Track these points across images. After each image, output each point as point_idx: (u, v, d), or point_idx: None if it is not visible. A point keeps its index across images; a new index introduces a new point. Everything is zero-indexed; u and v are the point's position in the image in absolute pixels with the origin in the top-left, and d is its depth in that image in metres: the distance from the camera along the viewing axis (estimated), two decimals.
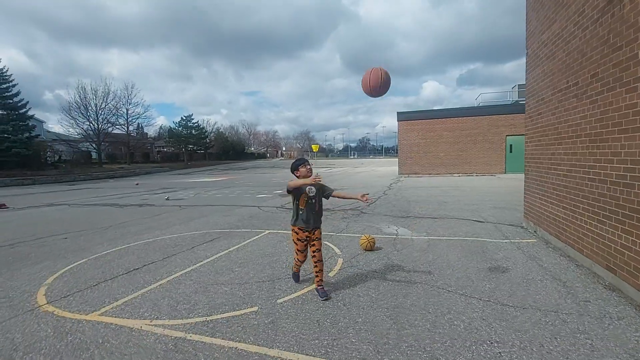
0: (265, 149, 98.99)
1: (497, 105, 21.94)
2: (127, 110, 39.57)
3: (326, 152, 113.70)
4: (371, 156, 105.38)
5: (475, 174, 19.87)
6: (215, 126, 63.40)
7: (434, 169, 21.08)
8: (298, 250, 3.53)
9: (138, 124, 43.87)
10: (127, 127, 40.53)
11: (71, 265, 4.70)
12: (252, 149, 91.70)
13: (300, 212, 3.39)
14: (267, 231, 6.48)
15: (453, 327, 2.73)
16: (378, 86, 3.47)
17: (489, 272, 3.95)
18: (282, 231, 6.43)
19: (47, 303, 3.46)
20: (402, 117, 21.89)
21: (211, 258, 4.83)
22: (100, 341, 2.69)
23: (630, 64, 3.19)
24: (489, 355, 2.34)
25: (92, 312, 3.21)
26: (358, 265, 4.36)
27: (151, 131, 52.73)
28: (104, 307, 3.33)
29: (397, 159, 23.32)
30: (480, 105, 24.06)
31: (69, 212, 10.05)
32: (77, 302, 3.48)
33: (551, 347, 2.42)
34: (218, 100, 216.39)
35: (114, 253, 5.27)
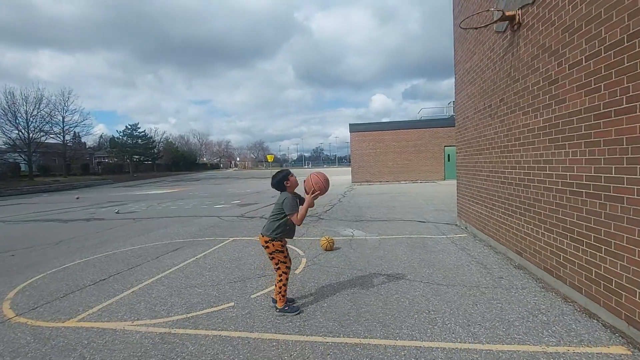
0: (218, 159, 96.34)
1: (436, 119, 24.17)
2: (63, 117, 36.52)
3: (280, 162, 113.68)
4: (325, 165, 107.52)
5: (419, 181, 21.61)
6: (165, 136, 60.70)
7: (383, 176, 22.51)
8: (288, 263, 3.32)
9: (75, 132, 40.58)
10: (63, 137, 37.33)
11: (30, 280, 4.61)
12: (205, 159, 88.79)
13: (289, 227, 3.24)
14: (231, 238, 6.76)
15: (400, 303, 3.37)
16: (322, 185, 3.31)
17: (428, 261, 4.71)
18: (246, 238, 6.75)
19: (17, 315, 3.49)
20: (354, 128, 23.12)
21: (179, 265, 5.03)
22: (86, 342, 2.88)
23: (525, 93, 4.16)
24: (427, 320, 2.99)
25: (69, 320, 3.34)
26: (320, 262, 4.88)
27: (90, 141, 49.02)
28: (79, 314, 3.46)
29: (349, 168, 24.44)
30: (422, 119, 26.24)
31: (6, 229, 9.29)
32: (49, 312, 3.55)
33: (472, 311, 3.14)
34: (165, 109, 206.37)
35: (74, 266, 5.21)
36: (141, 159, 50.41)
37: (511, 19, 4.30)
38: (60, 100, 36.54)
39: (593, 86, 2.92)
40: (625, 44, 2.55)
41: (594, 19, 2.89)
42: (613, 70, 2.68)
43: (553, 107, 3.53)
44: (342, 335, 2.81)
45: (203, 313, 3.35)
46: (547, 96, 3.63)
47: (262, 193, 17.77)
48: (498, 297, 3.44)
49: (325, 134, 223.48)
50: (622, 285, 2.66)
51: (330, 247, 5.53)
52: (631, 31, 2.49)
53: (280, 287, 3.23)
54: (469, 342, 2.62)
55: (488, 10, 4.75)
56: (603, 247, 2.86)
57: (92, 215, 11.38)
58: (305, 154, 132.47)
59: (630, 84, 2.52)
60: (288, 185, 3.24)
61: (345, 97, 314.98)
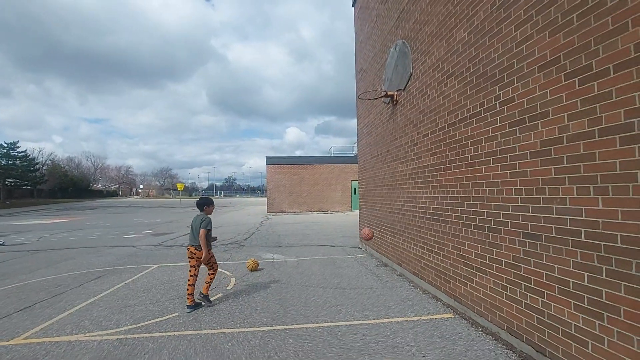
0: (116, 185, 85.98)
1: (344, 157, 27.16)
2: None
3: (190, 191, 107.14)
4: (237, 195, 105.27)
5: (330, 212, 23.68)
6: (50, 157, 52.37)
7: (298, 207, 23.96)
8: (215, 266, 4.69)
9: None
10: None
11: None
12: (100, 185, 78.40)
13: (213, 240, 4.71)
14: (156, 265, 7.01)
15: (316, 302, 4.48)
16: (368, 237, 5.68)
17: (337, 274, 5.98)
18: (171, 264, 7.09)
19: None
20: (270, 161, 24.38)
21: (109, 290, 5.25)
22: (44, 352, 3.22)
23: (401, 148, 5.94)
24: (335, 311, 4.17)
25: (14, 338, 3.51)
26: (248, 280, 5.71)
27: None
28: (21, 334, 3.63)
29: (264, 198, 25.24)
30: (333, 155, 29.13)
31: None
32: None
33: (366, 303, 4.44)
34: (50, 125, 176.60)
35: None
36: (17, 183, 42.38)
37: (392, 96, 6.15)
38: None
39: (434, 150, 4.69)
40: (447, 128, 4.33)
41: (432, 110, 4.71)
42: (442, 143, 4.45)
43: (415, 161, 5.30)
44: (274, 325, 3.76)
45: (152, 322, 3.90)
46: (412, 153, 5.41)
47: (175, 222, 17.29)
48: (384, 294, 4.84)
49: (239, 163, 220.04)
50: (451, 275, 4.28)
51: (255, 268, 6.39)
52: (450, 122, 4.28)
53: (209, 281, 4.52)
54: (362, 320, 3.86)
55: (376, 90, 6.61)
56: (441, 252, 4.51)
57: None
58: (217, 183, 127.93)
59: (449, 152, 4.28)
60: (208, 210, 4.59)
61: (261, 127, 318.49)
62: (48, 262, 7.60)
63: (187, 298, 4.32)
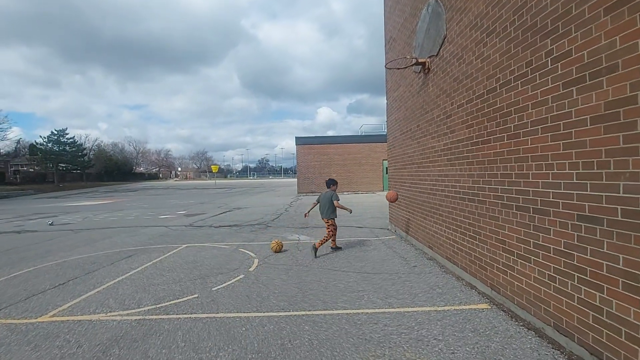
0: (157, 169, 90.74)
1: (375, 135, 26.29)
2: None
3: (225, 173, 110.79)
4: (270, 177, 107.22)
5: (360, 192, 23.26)
6: (96, 143, 55.99)
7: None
8: (334, 231, 6.19)
9: None
10: None
11: None
12: (142, 169, 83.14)
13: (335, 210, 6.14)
14: (184, 245, 7.13)
15: (337, 287, 4.25)
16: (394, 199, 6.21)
17: (362, 258, 5.70)
18: (198, 244, 7.17)
19: None
20: (300, 141, 24.18)
21: (137, 269, 5.37)
22: (67, 330, 3.27)
23: (431, 122, 5.41)
24: (356, 297, 3.90)
25: (41, 316, 3.63)
26: (270, 262, 5.59)
27: (5, 146, 43.42)
28: (49, 312, 3.75)
29: (295, 179, 25.29)
30: (363, 134, 28.32)
31: None
32: (16, 312, 3.77)
33: (390, 289, 4.13)
34: (95, 113, 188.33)
35: (23, 275, 5.24)
36: (68, 167, 45.88)
37: (423, 64, 5.56)
38: None
39: (470, 122, 4.15)
40: (485, 95, 3.78)
41: (469, 75, 4.13)
42: (480, 113, 3.91)
43: (449, 135, 4.77)
44: (291, 310, 3.58)
45: (171, 303, 3.87)
46: (445, 126, 4.87)
47: (208, 204, 17.79)
48: (410, 280, 4.50)
49: (271, 145, 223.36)
50: (488, 262, 3.84)
51: (279, 249, 6.26)
52: (490, 87, 3.72)
53: (325, 239, 5.99)
54: (385, 308, 3.57)
55: (405, 57, 6.02)
56: (477, 236, 4.05)
57: (21, 228, 10.65)
58: (251, 165, 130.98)
59: (488, 123, 3.74)
60: (334, 187, 6.16)
61: (292, 108, 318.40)
62: (88, 241, 8.00)
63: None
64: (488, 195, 3.78)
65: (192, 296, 4.08)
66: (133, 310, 3.70)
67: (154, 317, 3.51)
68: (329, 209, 5.99)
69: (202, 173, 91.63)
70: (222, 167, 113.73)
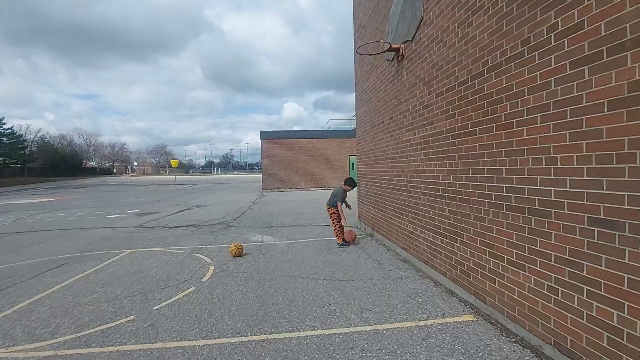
0: (110, 163, 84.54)
1: (342, 130, 25.99)
2: None
3: (186, 168, 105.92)
4: (235, 172, 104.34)
5: (327, 188, 22.84)
6: (40, 134, 50.84)
7: (293, 184, 23.10)
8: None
9: None
10: None
11: None
12: (93, 163, 77.07)
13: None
14: (129, 250, 6.20)
15: (305, 300, 3.67)
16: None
17: (331, 261, 5.17)
18: (146, 249, 6.28)
19: None
20: (265, 136, 23.23)
21: (64, 283, 4.46)
22: None
23: (407, 114, 4.98)
24: (327, 312, 3.36)
25: None
26: (228, 269, 4.90)
27: None
28: None
29: (260, 175, 24.36)
30: (330, 129, 27.90)
31: None
32: None
33: (365, 300, 3.63)
34: (41, 102, 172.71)
35: None
36: (6, 161, 41.17)
37: (396, 50, 5.10)
38: None
39: (451, 112, 3.73)
40: (470, 82, 3.36)
41: (450, 60, 3.71)
42: (463, 101, 3.49)
43: (426, 127, 4.35)
44: (249, 334, 2.96)
45: (97, 330, 3.10)
46: (422, 117, 4.45)
47: (165, 201, 16.48)
48: (387, 287, 4.04)
49: (236, 139, 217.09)
50: (471, 267, 3.45)
51: (239, 253, 5.58)
52: (476, 72, 3.30)
53: (337, 232, 6.15)
54: (361, 326, 3.06)
55: (378, 41, 5.54)
56: (458, 238, 3.66)
57: None
58: (215, 160, 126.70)
59: (472, 113, 3.33)
60: (347, 187, 6.21)
61: (258, 102, 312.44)
62: (12, 248, 6.80)
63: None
64: (472, 193, 3.38)
65: (126, 319, 3.32)
66: (43, 343, 2.89)
67: (70, 352, 2.74)
68: (331, 199, 6.28)
69: (162, 168, 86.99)
70: (184, 162, 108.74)
